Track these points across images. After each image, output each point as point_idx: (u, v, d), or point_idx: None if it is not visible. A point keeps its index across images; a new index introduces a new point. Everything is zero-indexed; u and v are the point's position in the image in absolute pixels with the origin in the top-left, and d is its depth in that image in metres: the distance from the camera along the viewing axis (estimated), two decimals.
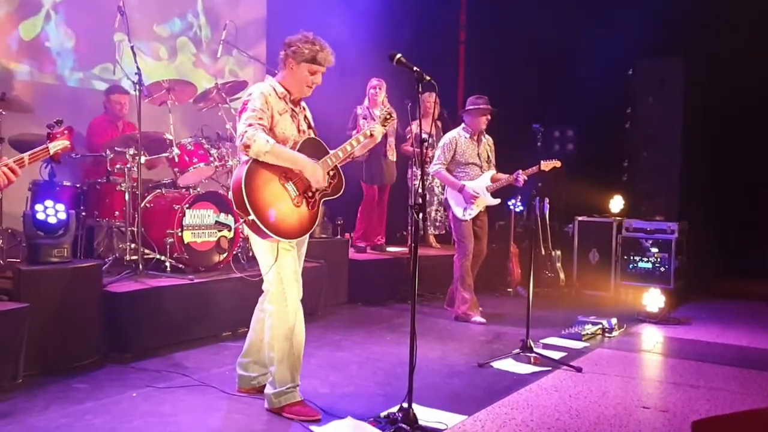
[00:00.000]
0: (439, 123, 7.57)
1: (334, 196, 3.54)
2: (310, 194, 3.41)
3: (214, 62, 7.51)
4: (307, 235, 3.53)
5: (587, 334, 5.33)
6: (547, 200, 7.33)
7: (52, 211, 4.28)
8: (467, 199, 5.72)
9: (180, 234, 5.16)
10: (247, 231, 3.42)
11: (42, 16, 6.06)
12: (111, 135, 5.88)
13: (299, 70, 3.37)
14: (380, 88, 6.94)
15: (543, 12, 8.24)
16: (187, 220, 5.22)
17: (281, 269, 3.35)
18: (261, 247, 3.41)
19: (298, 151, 3.37)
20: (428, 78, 3.22)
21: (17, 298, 3.94)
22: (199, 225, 5.34)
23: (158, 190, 5.56)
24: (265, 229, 3.19)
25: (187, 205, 5.22)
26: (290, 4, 7.81)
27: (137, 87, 5.14)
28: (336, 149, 3.54)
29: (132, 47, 5.11)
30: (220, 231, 5.48)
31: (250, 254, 6.04)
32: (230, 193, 3.37)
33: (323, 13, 7.14)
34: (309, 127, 3.59)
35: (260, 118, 3.25)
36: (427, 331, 5.42)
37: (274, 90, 3.39)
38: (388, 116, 3.78)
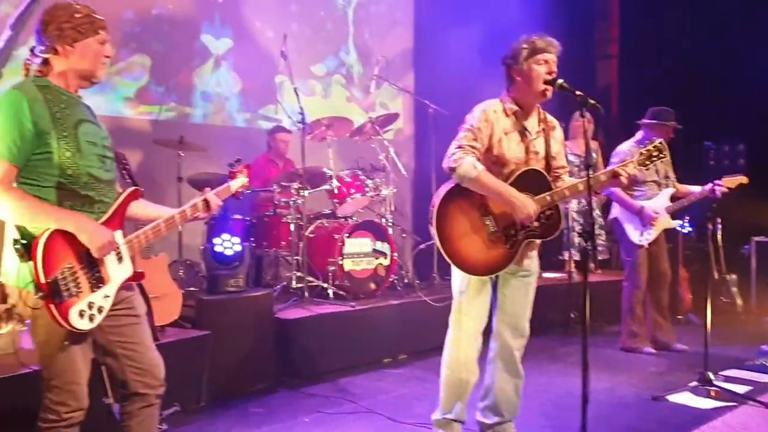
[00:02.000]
0: (593, 144, 7.28)
1: (545, 238, 3.16)
2: (512, 232, 3.09)
3: (366, 96, 7.73)
4: (533, 276, 3.25)
5: None
6: (719, 220, 6.78)
7: (229, 244, 4.57)
8: (646, 221, 5.19)
9: (341, 262, 5.30)
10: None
11: (211, 63, 6.54)
12: (273, 172, 6.19)
13: (527, 71, 3.06)
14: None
15: (700, 19, 7.75)
16: (347, 249, 5.37)
17: (464, 298, 3.17)
18: (454, 274, 3.22)
19: (513, 182, 3.05)
20: (593, 102, 2.86)
21: (199, 325, 4.22)
22: (358, 253, 5.46)
23: (319, 221, 5.77)
24: (448, 260, 3.05)
25: (346, 234, 5.37)
26: (435, 34, 7.88)
27: (300, 125, 5.39)
28: (562, 186, 3.14)
29: (295, 89, 5.37)
30: (377, 259, 5.58)
31: (406, 281, 6.12)
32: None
33: (467, 39, 7.13)
34: (548, 152, 3.20)
35: (473, 139, 3.02)
36: (592, 361, 5.03)
37: (503, 107, 3.12)
38: (656, 152, 3.19)
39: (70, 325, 2.16)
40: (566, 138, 6.92)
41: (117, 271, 2.35)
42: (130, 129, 5.84)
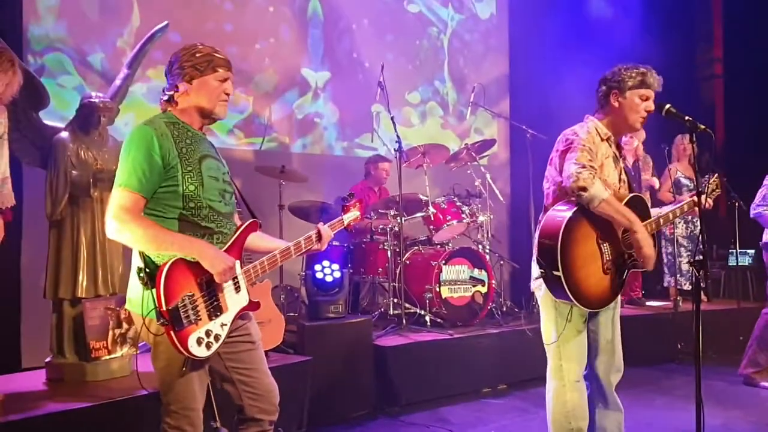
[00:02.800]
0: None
1: (643, 269, 3.03)
2: (620, 262, 2.98)
3: (460, 123, 7.74)
4: (617, 303, 3.13)
5: None
6: None
7: (329, 271, 4.65)
8: None
9: (438, 289, 5.28)
10: (536, 285, 3.06)
11: (311, 95, 6.74)
12: (372, 199, 6.27)
13: (628, 101, 2.99)
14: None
15: None
16: (444, 276, 5.34)
17: (563, 341, 2.99)
18: (548, 311, 3.05)
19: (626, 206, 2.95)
20: (702, 127, 2.80)
21: (301, 351, 4.30)
22: (455, 280, 5.42)
23: (416, 247, 5.78)
24: (567, 290, 2.83)
25: (443, 261, 5.34)
26: (530, 59, 7.82)
27: (397, 153, 5.45)
28: (658, 214, 3.08)
29: (392, 118, 5.44)
30: (474, 286, 5.52)
31: (504, 309, 6.02)
32: (536, 240, 2.97)
33: (563, 62, 7.02)
34: (629, 180, 3.17)
35: (591, 160, 2.88)
36: (704, 395, 4.84)
37: (597, 131, 3.03)
38: (716, 188, 3.23)
39: (189, 352, 2.24)
40: (669, 161, 6.70)
41: (234, 300, 2.42)
42: (234, 159, 6.07)
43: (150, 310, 2.23)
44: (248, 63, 6.28)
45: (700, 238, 2.76)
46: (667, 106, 2.92)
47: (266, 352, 4.06)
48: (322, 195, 6.15)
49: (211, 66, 2.45)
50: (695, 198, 3.00)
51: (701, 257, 2.63)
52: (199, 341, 2.26)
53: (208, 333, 2.30)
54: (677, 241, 6.59)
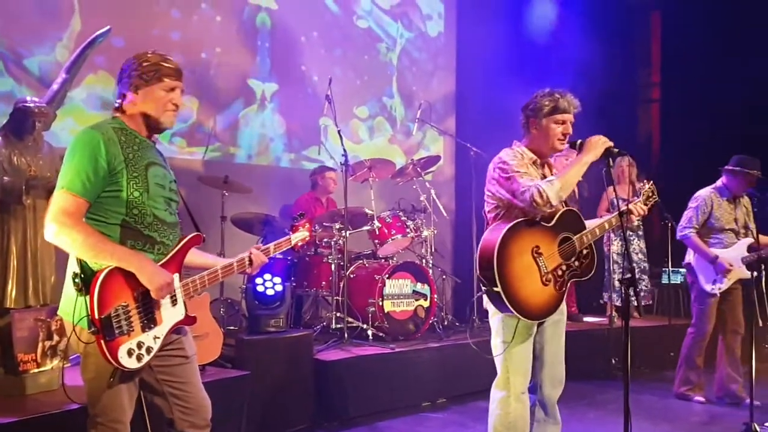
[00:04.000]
0: (638, 185, 7.17)
1: (584, 278, 3.17)
2: (559, 272, 3.07)
3: (408, 138, 7.79)
4: (563, 315, 3.22)
5: None
6: (763, 266, 6.56)
7: (270, 284, 4.59)
8: (721, 271, 4.99)
9: (381, 303, 5.28)
10: (486, 299, 3.11)
11: (257, 105, 6.67)
12: (317, 211, 6.23)
13: (544, 127, 3.11)
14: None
15: (745, 65, 7.63)
16: (387, 290, 5.34)
17: (511, 354, 3.05)
18: (495, 326, 3.12)
19: (555, 222, 3.06)
20: (616, 150, 2.98)
21: (239, 365, 4.23)
22: (398, 294, 5.43)
23: (360, 261, 5.77)
24: (508, 304, 2.93)
25: (387, 275, 5.35)
26: (477, 79, 7.94)
27: (343, 167, 5.44)
28: (593, 225, 3.18)
29: (339, 131, 5.44)
30: (417, 300, 5.54)
31: (446, 324, 6.06)
32: (476, 258, 3.06)
33: (507, 83, 7.14)
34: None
35: (525, 174, 3.01)
36: (635, 409, 4.82)
37: (523, 155, 3.14)
38: (651, 194, 3.32)
39: (118, 363, 2.18)
40: (608, 183, 6.87)
41: (170, 313, 2.37)
42: (175, 167, 5.84)
43: (81, 318, 2.18)
44: (194, 71, 6.19)
45: (626, 256, 2.88)
46: (579, 141, 3.07)
47: (203, 366, 4.02)
48: (266, 207, 6.08)
49: (157, 75, 2.42)
50: (633, 207, 3.16)
51: (629, 275, 2.71)
52: (129, 352, 2.21)
53: (139, 345, 2.25)
54: (612, 258, 6.75)
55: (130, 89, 2.41)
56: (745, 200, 5.24)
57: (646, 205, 3.29)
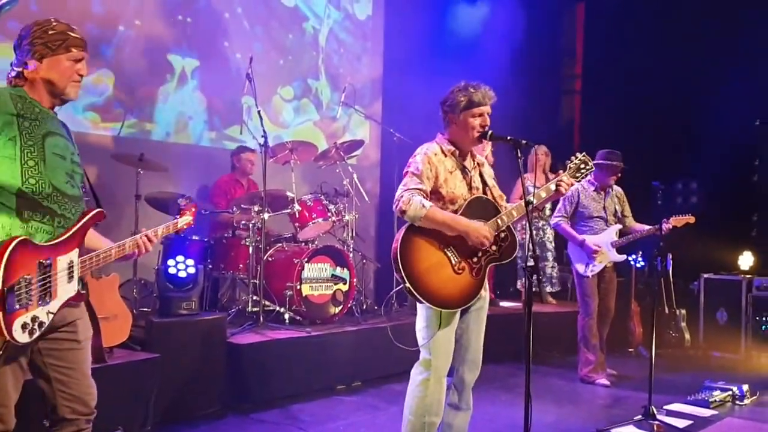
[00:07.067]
0: (551, 176, 7.40)
1: (505, 261, 3.25)
2: (474, 260, 3.15)
3: (333, 122, 7.75)
4: (485, 302, 3.31)
5: (715, 401, 4.90)
6: (670, 256, 6.92)
7: (183, 266, 4.51)
8: (588, 254, 5.41)
9: (299, 287, 5.27)
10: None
11: (176, 82, 6.49)
12: (237, 193, 6.15)
13: (462, 121, 3.19)
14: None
15: (661, 61, 7.97)
16: (305, 274, 5.34)
17: (433, 339, 3.12)
18: (421, 313, 3.20)
19: (463, 211, 3.15)
20: (524, 142, 3.01)
21: (149, 348, 4.15)
22: (317, 278, 5.44)
23: (279, 244, 5.74)
24: (421, 298, 3.03)
25: (306, 259, 5.34)
26: (404, 64, 7.95)
27: (263, 148, 5.38)
28: (510, 208, 3.23)
29: (259, 111, 5.37)
30: (336, 284, 5.56)
31: (365, 307, 6.11)
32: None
33: (434, 70, 7.21)
34: (485, 184, 3.36)
35: (419, 182, 3.11)
36: (543, 392, 5.18)
37: (441, 148, 3.23)
38: (582, 165, 3.34)
39: (12, 337, 2.12)
40: (525, 171, 7.07)
41: (65, 289, 2.31)
42: (89, 144, 5.74)
43: None
44: (110, 43, 5.97)
45: (529, 244, 2.96)
46: (490, 131, 3.17)
47: (111, 348, 3.93)
48: (183, 187, 5.95)
49: (64, 45, 2.35)
50: (560, 181, 3.23)
51: (533, 262, 2.80)
52: (24, 326, 2.16)
53: (33, 319, 2.19)
54: (526, 245, 6.96)
55: (33, 57, 2.33)
56: (617, 191, 5.71)
57: (576, 177, 3.35)
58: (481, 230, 3.09)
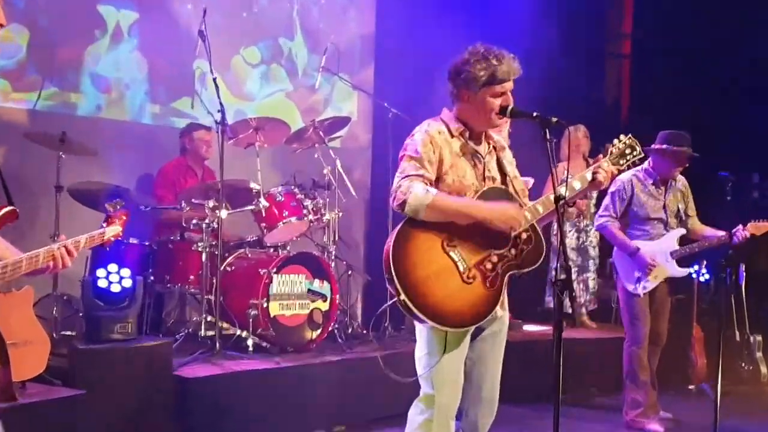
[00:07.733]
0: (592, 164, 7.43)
1: (527, 269, 3.19)
2: (488, 266, 3.12)
3: (311, 94, 7.75)
4: (503, 324, 3.30)
5: None
6: (743, 267, 6.94)
7: (116, 278, 4.53)
8: (642, 267, 5.31)
9: (265, 305, 5.29)
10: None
11: (108, 40, 6.49)
12: (187, 183, 6.16)
13: (479, 101, 3.15)
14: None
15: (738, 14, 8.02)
16: (274, 288, 5.37)
17: (439, 370, 3.10)
18: (421, 336, 3.18)
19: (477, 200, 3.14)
20: (555, 120, 2.99)
21: (72, 382, 4.18)
22: (289, 294, 5.47)
23: (241, 250, 5.76)
24: (419, 314, 2.99)
25: (274, 270, 5.37)
26: (402, 19, 7.95)
27: (220, 126, 5.39)
28: (536, 201, 3.23)
29: (214, 79, 5.39)
30: (313, 302, 5.59)
31: (350, 332, 6.13)
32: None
33: (442, 24, 7.22)
34: (504, 174, 3.33)
35: (419, 167, 3.08)
36: None
37: (447, 127, 3.21)
38: (628, 151, 3.36)
39: None
40: (559, 159, 7.10)
41: None
42: None
43: None
44: None
45: (561, 249, 2.92)
46: (511, 106, 3.15)
47: (23, 383, 3.93)
48: (117, 176, 5.96)
49: None
50: (599, 169, 3.21)
51: (564, 275, 2.79)
52: None
53: None
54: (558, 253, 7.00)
55: None
56: (681, 182, 5.59)
57: (619, 165, 3.33)
58: (508, 210, 3.07)
